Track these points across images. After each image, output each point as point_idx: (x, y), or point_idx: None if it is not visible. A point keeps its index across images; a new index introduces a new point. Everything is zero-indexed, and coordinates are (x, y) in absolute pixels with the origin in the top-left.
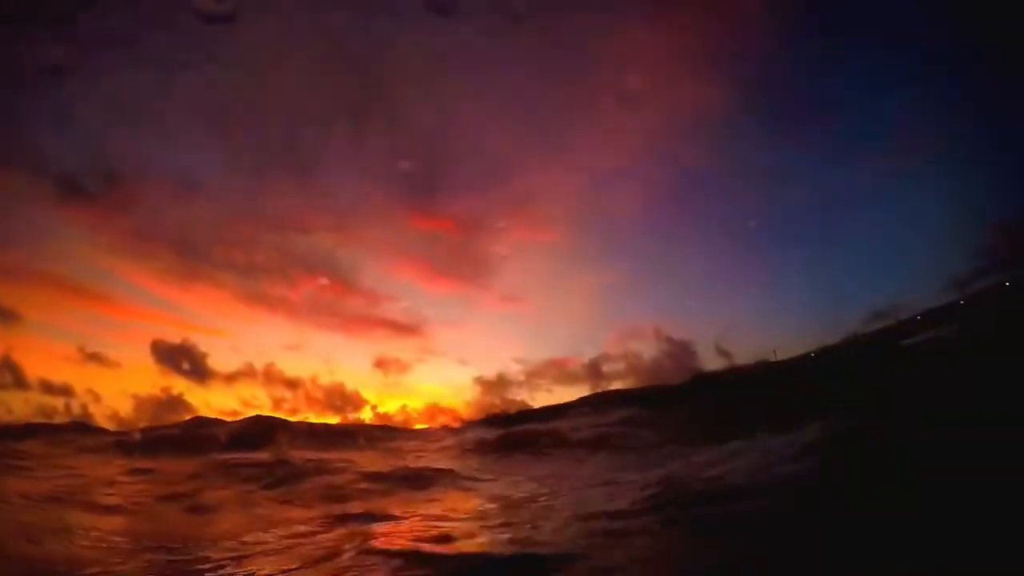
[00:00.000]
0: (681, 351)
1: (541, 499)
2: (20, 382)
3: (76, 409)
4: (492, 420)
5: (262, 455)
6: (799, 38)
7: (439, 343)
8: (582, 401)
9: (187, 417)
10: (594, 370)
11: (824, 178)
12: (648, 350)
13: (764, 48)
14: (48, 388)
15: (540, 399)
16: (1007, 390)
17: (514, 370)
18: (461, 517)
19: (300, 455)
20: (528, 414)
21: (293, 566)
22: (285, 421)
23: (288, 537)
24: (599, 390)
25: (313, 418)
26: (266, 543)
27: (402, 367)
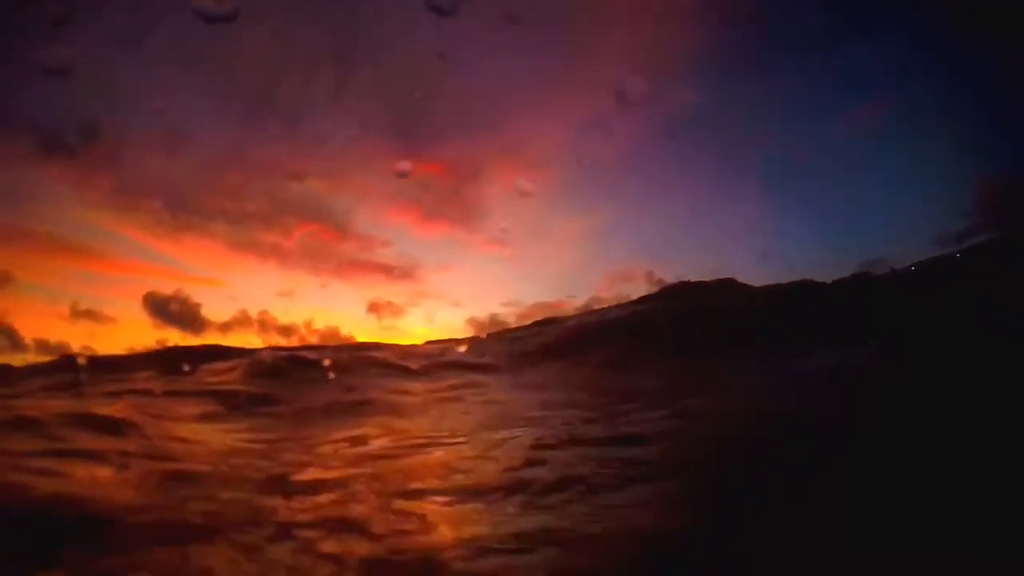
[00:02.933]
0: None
1: None
2: (16, 344)
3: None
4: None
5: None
6: None
7: (432, 286)
8: None
9: None
10: (587, 312)
11: (812, 126)
12: (638, 291)
13: None
14: (44, 348)
15: None
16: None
17: (506, 312)
18: None
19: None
20: None
21: None
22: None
23: None
24: None
25: None
26: None
27: (395, 310)
